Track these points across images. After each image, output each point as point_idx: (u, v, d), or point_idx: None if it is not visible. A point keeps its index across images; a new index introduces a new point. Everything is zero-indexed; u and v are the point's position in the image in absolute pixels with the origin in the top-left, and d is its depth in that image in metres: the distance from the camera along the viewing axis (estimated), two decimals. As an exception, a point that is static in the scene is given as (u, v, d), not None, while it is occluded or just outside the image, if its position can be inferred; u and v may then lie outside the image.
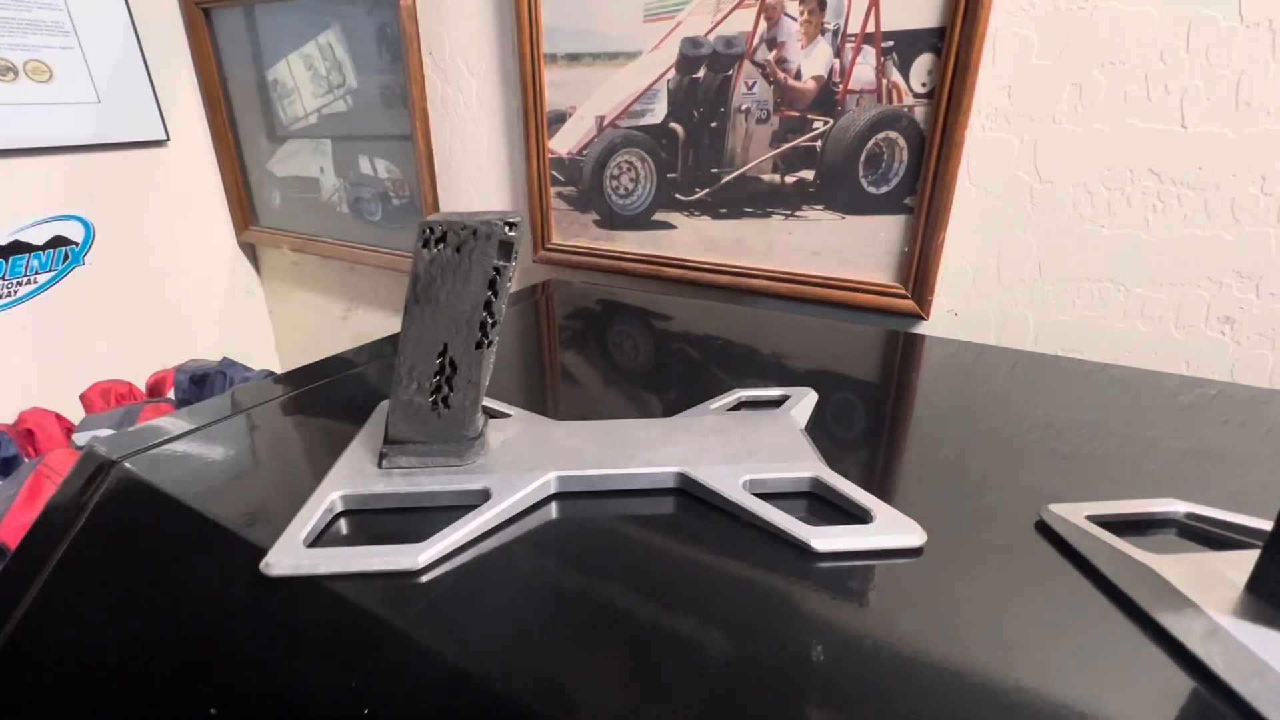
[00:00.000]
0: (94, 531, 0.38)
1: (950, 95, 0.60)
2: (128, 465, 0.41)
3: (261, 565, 0.30)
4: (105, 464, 0.42)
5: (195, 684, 0.28)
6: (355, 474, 0.36)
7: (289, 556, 0.31)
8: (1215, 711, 0.23)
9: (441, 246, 0.32)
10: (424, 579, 0.31)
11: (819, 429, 0.44)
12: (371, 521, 0.35)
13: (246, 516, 0.35)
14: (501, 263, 0.33)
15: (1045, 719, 0.23)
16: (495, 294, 0.33)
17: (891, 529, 0.32)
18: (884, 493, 0.35)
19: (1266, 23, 0.49)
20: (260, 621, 0.29)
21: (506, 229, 0.32)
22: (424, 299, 0.33)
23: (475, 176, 1.02)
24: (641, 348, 0.62)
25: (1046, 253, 0.62)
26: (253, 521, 0.35)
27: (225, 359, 1.26)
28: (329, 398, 0.51)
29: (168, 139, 1.27)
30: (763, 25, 0.69)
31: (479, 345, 0.34)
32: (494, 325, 0.34)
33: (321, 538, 0.33)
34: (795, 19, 0.66)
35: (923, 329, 0.69)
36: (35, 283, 1.16)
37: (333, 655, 0.28)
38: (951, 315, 0.68)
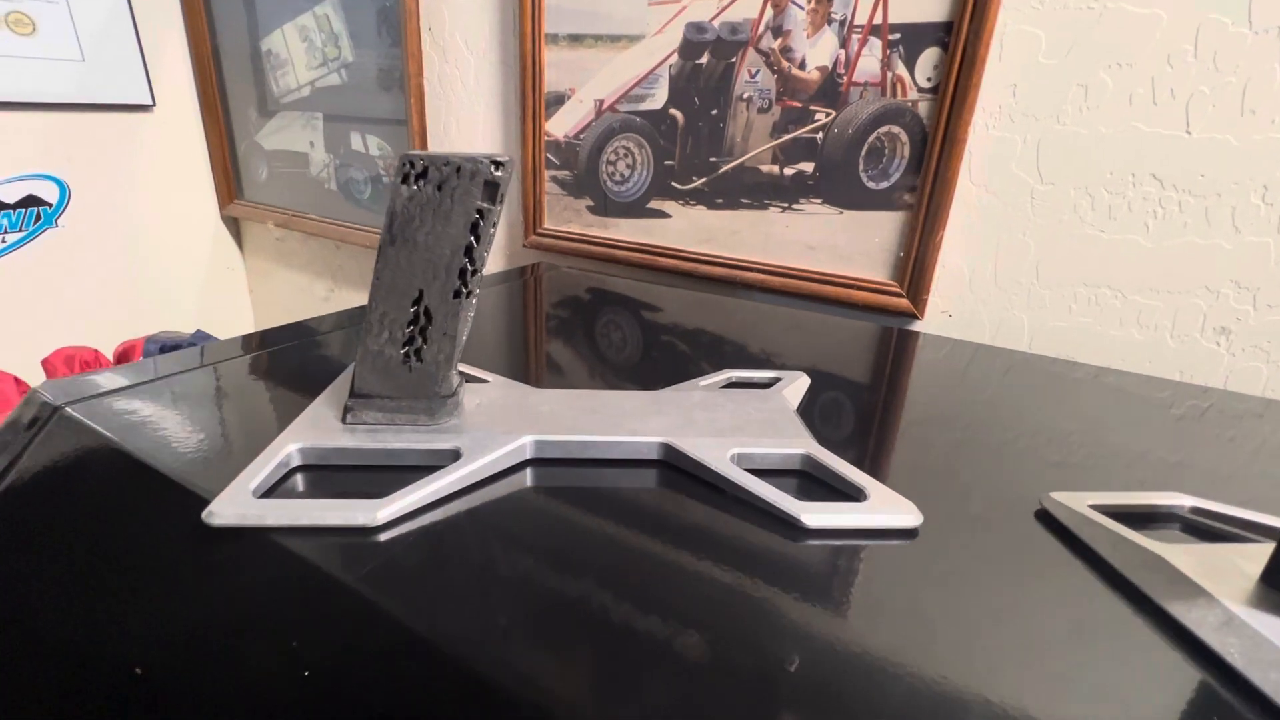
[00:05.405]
0: (26, 478, 0.35)
1: (955, 91, 0.59)
2: (72, 411, 0.38)
3: (204, 514, 0.28)
4: (49, 409, 0.39)
5: (119, 639, 0.26)
6: (316, 428, 0.34)
7: (235, 506, 0.28)
8: (1230, 705, 0.21)
9: (422, 183, 0.30)
10: (382, 538, 0.28)
11: (810, 420, 0.42)
12: (330, 477, 0.32)
13: (194, 467, 0.33)
14: (486, 205, 0.31)
15: (1048, 712, 0.21)
16: (477, 239, 0.31)
17: (886, 508, 0.30)
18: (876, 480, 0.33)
19: (1276, 29, 0.48)
20: (197, 574, 0.27)
21: (493, 169, 0.30)
22: (400, 240, 0.31)
23: (468, 157, 1.00)
24: (630, 336, 0.60)
25: (1044, 256, 0.61)
26: (200, 472, 0.32)
27: (199, 331, 1.22)
28: (300, 358, 0.49)
29: (153, 104, 1.23)
30: (769, 12, 0.68)
31: (457, 294, 0.32)
32: (474, 274, 0.32)
33: (274, 491, 0.31)
34: (802, 7, 0.65)
35: (916, 329, 0.67)
36: (4, 242, 1.12)
37: (274, 612, 0.25)
38: (946, 316, 0.67)
